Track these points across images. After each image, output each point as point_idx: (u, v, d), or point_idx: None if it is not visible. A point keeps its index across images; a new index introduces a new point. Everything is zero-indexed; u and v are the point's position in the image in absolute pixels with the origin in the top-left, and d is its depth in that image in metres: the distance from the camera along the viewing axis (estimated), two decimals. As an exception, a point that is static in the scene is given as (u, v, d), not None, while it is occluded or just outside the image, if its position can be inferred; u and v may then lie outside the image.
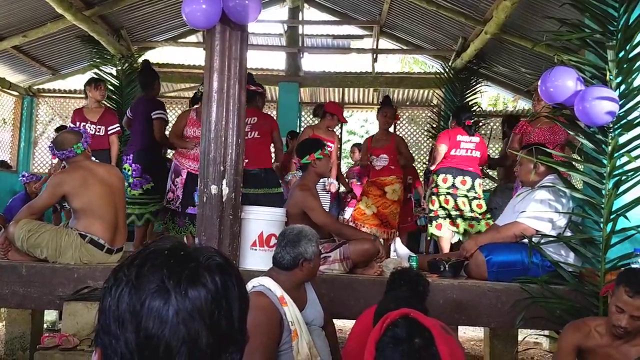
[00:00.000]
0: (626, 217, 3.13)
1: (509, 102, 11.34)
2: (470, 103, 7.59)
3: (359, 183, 7.10)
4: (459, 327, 5.00)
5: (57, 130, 6.12)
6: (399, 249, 4.47)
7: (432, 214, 5.00)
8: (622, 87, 3.19)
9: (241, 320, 0.82)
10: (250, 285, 2.50)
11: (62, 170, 3.97)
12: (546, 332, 4.18)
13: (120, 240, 3.66)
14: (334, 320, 2.95)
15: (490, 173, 6.60)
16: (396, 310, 1.70)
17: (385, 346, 1.59)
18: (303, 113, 9.62)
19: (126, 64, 7.63)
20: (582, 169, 3.56)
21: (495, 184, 6.62)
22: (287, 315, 2.40)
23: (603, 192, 3.23)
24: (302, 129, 8.24)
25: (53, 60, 8.18)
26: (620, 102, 3.13)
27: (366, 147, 5.67)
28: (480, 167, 5.17)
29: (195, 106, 4.91)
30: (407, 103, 9.72)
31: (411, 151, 9.32)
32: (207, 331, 0.76)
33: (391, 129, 6.03)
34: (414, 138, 9.52)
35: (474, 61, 7.51)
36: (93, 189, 3.52)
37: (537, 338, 5.04)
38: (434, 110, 8.80)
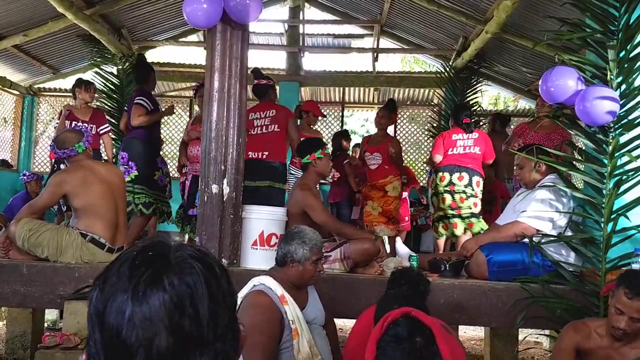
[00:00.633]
0: (627, 217, 3.13)
1: (510, 101, 11.34)
2: (471, 102, 7.59)
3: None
4: (460, 326, 5.00)
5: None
6: (400, 248, 4.47)
7: (435, 215, 5.08)
8: (623, 86, 3.20)
9: (214, 320, 0.80)
10: (251, 284, 2.51)
11: (63, 170, 3.98)
12: (547, 332, 4.18)
13: (121, 239, 3.66)
14: (335, 320, 2.95)
15: None
16: (397, 309, 1.70)
17: (386, 345, 1.59)
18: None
19: (127, 63, 7.62)
20: (582, 169, 3.56)
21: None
22: (287, 314, 2.40)
23: (604, 191, 3.23)
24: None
25: (54, 59, 8.18)
26: (620, 102, 3.14)
27: (363, 144, 5.80)
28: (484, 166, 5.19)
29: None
30: (408, 102, 9.72)
31: (411, 150, 9.44)
32: (167, 333, 0.76)
33: (391, 131, 6.09)
34: (415, 137, 9.52)
35: (475, 60, 7.51)
36: (94, 188, 3.52)
37: (537, 338, 5.03)
38: (435, 109, 8.78)
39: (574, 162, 3.57)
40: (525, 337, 4.07)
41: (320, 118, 6.39)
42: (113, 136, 6.64)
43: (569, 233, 3.43)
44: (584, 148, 3.45)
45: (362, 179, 6.05)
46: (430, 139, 8.67)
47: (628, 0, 3.15)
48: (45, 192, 3.62)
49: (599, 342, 2.53)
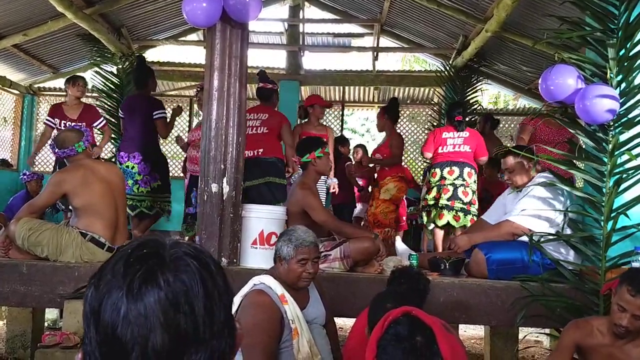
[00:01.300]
0: (627, 215, 3.13)
1: (510, 100, 11.33)
2: (471, 101, 7.60)
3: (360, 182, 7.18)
4: (460, 325, 5.00)
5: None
6: (399, 247, 4.48)
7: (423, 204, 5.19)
8: (623, 85, 3.19)
9: (210, 318, 0.79)
10: (251, 284, 2.50)
11: (63, 169, 3.98)
12: (547, 330, 4.18)
13: (121, 238, 3.66)
14: (334, 318, 2.95)
15: None
16: (398, 308, 1.70)
17: (387, 344, 1.59)
18: (303, 112, 9.62)
19: (127, 63, 7.62)
20: (582, 167, 3.56)
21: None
22: (287, 314, 2.40)
23: (603, 190, 3.23)
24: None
25: (53, 58, 8.17)
26: (620, 100, 3.13)
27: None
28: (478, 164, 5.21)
29: None
30: (408, 101, 9.71)
31: (411, 150, 9.43)
32: (162, 330, 0.75)
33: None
34: (415, 136, 9.52)
35: (475, 59, 7.51)
36: (94, 187, 3.52)
37: (537, 336, 5.04)
38: (435, 108, 8.77)
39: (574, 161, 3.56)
40: (525, 335, 4.08)
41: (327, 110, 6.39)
42: (113, 135, 6.64)
43: (567, 231, 3.42)
44: (584, 146, 3.44)
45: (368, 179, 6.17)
46: (430, 138, 8.68)
47: (628, -1, 3.15)
48: (45, 191, 3.62)
49: (600, 339, 2.54)
